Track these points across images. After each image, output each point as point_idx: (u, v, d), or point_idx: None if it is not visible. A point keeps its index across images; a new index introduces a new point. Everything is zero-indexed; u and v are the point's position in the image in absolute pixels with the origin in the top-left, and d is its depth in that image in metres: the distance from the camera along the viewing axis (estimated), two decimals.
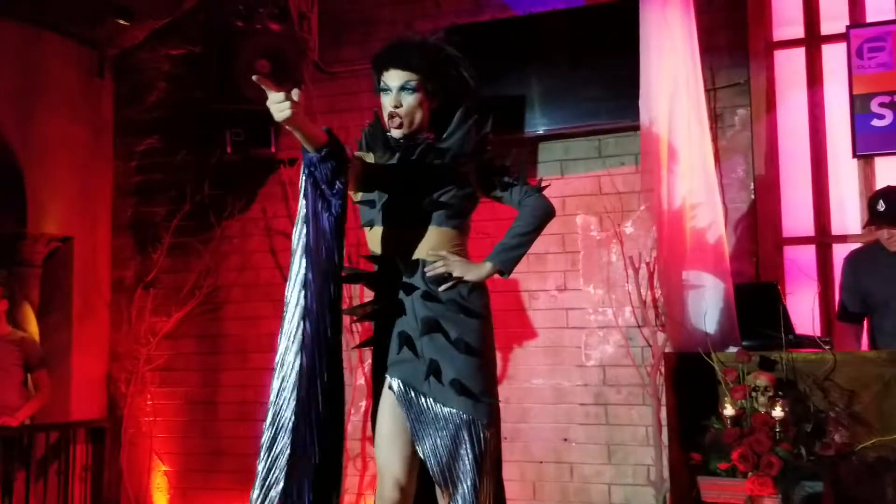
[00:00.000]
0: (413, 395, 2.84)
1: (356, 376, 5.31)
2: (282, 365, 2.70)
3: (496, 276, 2.94)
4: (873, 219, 4.07)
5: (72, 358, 5.71)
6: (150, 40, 5.97)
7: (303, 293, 2.70)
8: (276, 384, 2.69)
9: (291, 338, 2.70)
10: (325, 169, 2.68)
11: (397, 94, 2.92)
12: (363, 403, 5.30)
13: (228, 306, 5.77)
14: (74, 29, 5.75)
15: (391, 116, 2.93)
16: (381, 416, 2.92)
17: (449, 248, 2.91)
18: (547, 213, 2.98)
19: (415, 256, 2.91)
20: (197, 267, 5.80)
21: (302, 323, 2.69)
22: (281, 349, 2.72)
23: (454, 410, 2.79)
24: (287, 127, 2.61)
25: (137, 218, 6.00)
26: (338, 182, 2.72)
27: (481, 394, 2.82)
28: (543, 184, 3.08)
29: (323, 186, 2.71)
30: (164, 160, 5.96)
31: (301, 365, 2.66)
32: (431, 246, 2.90)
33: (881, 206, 4.01)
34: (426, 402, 2.82)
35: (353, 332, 5.30)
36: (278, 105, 2.56)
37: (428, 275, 2.87)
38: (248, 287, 5.73)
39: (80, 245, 5.82)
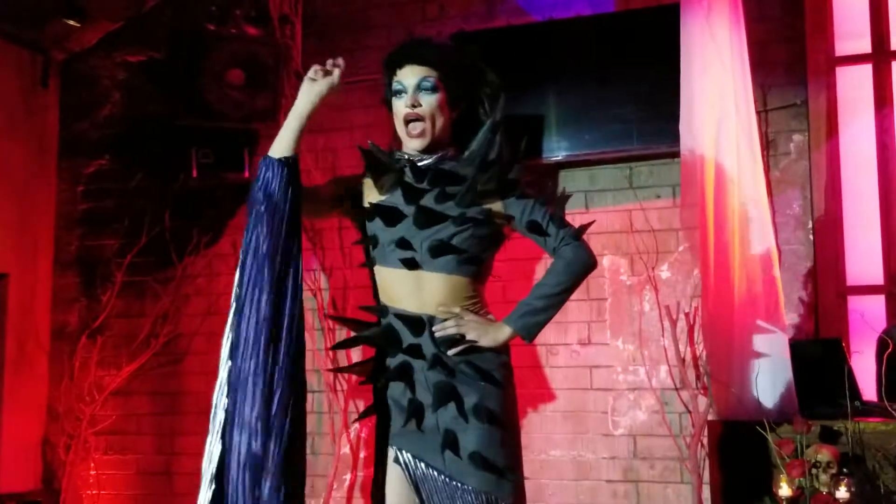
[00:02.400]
0: (425, 470, 2.85)
1: (340, 444, 5.30)
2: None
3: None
4: None
5: (1, 417, 5.68)
6: (105, 44, 6.02)
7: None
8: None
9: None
10: (285, 174, 2.83)
11: (414, 94, 2.93)
12: (347, 476, 5.29)
13: (190, 358, 5.77)
14: (14, 29, 5.79)
15: (408, 121, 2.93)
16: (389, 498, 2.93)
17: (462, 300, 2.90)
18: (585, 269, 2.95)
19: (422, 311, 2.90)
20: (153, 311, 5.81)
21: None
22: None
23: (473, 488, 2.80)
24: (310, 105, 2.85)
25: (84, 252, 6.02)
26: (291, 189, 2.83)
27: (505, 469, 2.82)
28: (585, 220, 3.09)
29: (277, 191, 2.81)
30: (118, 185, 5.99)
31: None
32: (441, 298, 2.89)
33: None
34: (441, 478, 2.83)
35: (338, 392, 5.32)
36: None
37: (437, 335, 2.87)
38: (213, 336, 5.68)
39: (16, 283, 5.83)
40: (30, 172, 5.99)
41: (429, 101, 2.93)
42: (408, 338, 2.90)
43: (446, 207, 2.91)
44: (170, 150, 5.74)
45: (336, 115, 5.56)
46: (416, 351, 2.89)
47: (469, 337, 2.87)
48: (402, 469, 2.89)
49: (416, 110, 2.91)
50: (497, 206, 2.94)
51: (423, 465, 2.86)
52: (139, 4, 5.79)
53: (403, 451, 2.89)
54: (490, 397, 2.87)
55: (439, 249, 2.88)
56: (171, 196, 5.81)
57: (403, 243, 2.91)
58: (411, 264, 2.90)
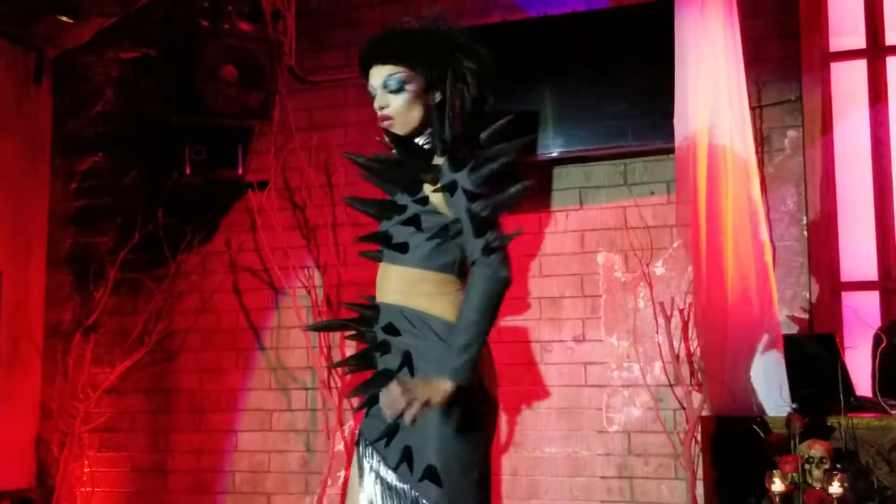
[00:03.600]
0: (368, 452, 2.87)
1: (334, 441, 5.31)
2: None
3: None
4: None
5: None
6: (98, 41, 6.02)
7: None
8: None
9: None
10: None
11: (382, 95, 2.88)
12: (342, 473, 5.30)
13: (184, 356, 5.78)
14: (6, 25, 5.77)
15: (380, 121, 2.91)
16: (351, 473, 2.98)
17: (425, 295, 2.81)
18: (490, 299, 2.66)
19: (380, 299, 2.90)
20: (147, 308, 5.80)
21: None
22: None
23: (397, 479, 2.78)
24: None
25: (77, 250, 6.01)
26: None
27: (435, 472, 2.71)
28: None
29: None
30: (111, 182, 5.99)
31: None
32: (400, 290, 2.85)
33: None
34: (376, 462, 2.84)
35: (332, 389, 5.33)
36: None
37: (389, 418, 2.74)
38: (207, 333, 5.74)
39: (9, 281, 5.82)
40: (22, 170, 5.98)
41: (395, 101, 2.87)
42: (374, 325, 2.92)
43: (402, 197, 2.88)
44: (163, 147, 5.75)
45: (330, 113, 5.59)
46: (373, 338, 2.90)
47: (419, 403, 2.62)
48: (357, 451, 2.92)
49: (384, 111, 2.88)
50: (437, 196, 2.80)
51: (370, 448, 2.86)
52: (132, 1, 5.78)
53: (362, 434, 2.90)
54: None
55: (383, 240, 2.88)
56: (165, 193, 5.81)
57: (372, 236, 2.93)
58: (373, 256, 2.94)
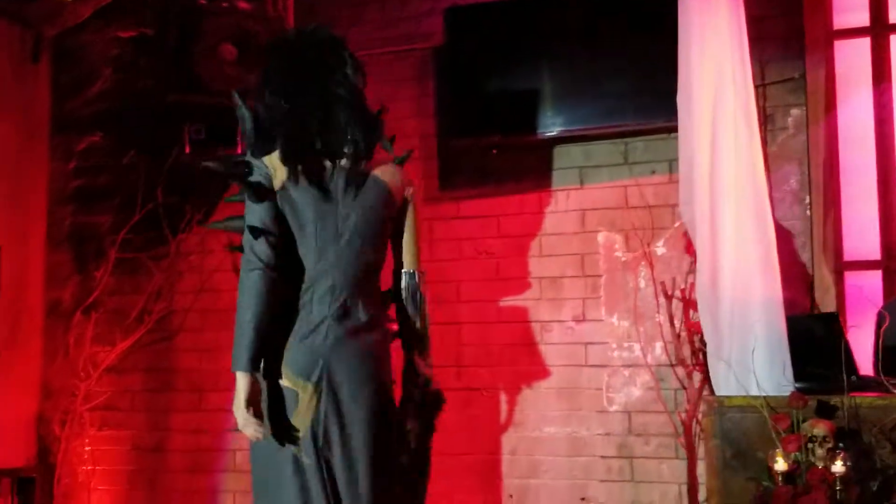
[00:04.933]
0: None
1: None
2: None
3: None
4: None
5: None
6: (96, 19, 5.94)
7: None
8: None
9: None
10: None
11: None
12: None
13: (183, 335, 5.76)
14: (4, 3, 5.73)
15: None
16: None
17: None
18: (239, 297, 3.12)
19: None
20: (147, 288, 5.80)
21: None
22: None
23: None
24: None
25: (77, 229, 5.99)
26: None
27: None
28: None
29: None
30: (110, 161, 5.96)
31: None
32: None
33: None
34: None
35: None
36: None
37: None
38: (206, 313, 5.72)
39: (9, 260, 5.78)
40: (21, 149, 5.94)
41: None
42: None
43: None
44: (162, 126, 5.71)
45: None
46: None
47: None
48: None
49: None
50: None
51: None
52: None
53: None
54: None
55: None
56: (164, 172, 5.77)
57: None
58: None
